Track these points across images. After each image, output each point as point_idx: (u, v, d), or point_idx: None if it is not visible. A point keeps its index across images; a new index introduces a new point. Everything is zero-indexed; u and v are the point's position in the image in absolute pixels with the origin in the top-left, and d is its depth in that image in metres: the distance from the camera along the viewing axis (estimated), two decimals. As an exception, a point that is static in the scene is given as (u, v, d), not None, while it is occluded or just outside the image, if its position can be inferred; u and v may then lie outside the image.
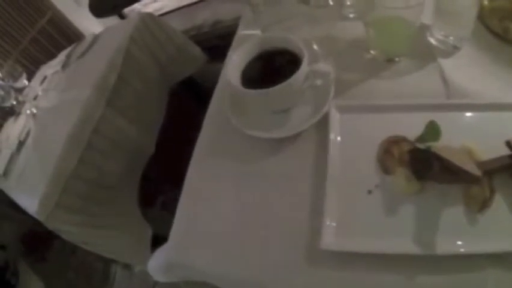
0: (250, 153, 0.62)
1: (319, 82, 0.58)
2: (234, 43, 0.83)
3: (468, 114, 0.56)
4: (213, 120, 0.70)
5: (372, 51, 0.69)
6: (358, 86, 0.65)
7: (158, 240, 1.23)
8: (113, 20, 1.79)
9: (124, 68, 1.20)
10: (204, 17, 1.70)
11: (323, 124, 0.59)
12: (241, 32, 0.85)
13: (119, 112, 1.17)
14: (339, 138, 0.58)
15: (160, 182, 1.56)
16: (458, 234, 0.46)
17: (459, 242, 0.45)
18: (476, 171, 0.47)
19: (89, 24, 1.95)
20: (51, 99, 1.27)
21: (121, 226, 1.14)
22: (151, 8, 1.85)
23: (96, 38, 1.40)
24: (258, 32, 0.82)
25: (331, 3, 0.80)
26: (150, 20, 1.33)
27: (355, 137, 0.57)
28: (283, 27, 0.79)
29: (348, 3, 0.77)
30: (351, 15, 0.78)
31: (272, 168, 0.60)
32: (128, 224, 1.18)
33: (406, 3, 0.58)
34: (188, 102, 1.66)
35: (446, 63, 0.64)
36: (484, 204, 0.47)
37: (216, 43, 1.55)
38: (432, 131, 0.52)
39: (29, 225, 1.50)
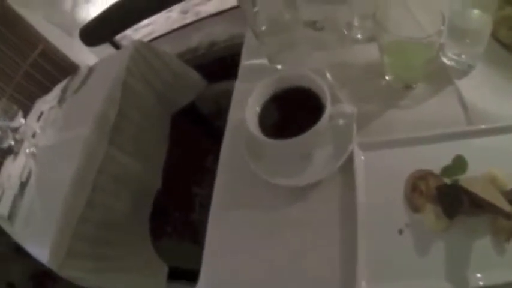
0: (272, 200, 0.59)
1: (341, 122, 0.56)
2: (240, 75, 0.80)
3: (490, 138, 0.55)
4: (228, 167, 0.67)
5: (387, 77, 0.67)
6: (377, 118, 0.63)
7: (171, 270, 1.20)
8: (105, 49, 1.76)
9: (123, 102, 1.17)
10: (198, 39, 1.68)
11: (346, 164, 0.57)
12: (246, 62, 0.82)
13: (121, 149, 1.15)
14: (364, 179, 0.55)
15: (167, 212, 1.53)
16: (488, 265, 0.45)
17: (490, 274, 0.45)
18: (506, 207, 0.45)
19: (82, 54, 1.92)
20: (50, 137, 1.24)
21: (135, 267, 1.11)
22: (142, 33, 1.83)
23: (90, 70, 1.37)
24: (264, 61, 0.79)
25: (345, 32, 0.78)
26: (144, 48, 1.30)
27: (380, 176, 0.55)
28: (291, 55, 0.76)
29: (356, 24, 0.75)
30: (359, 36, 0.76)
31: (296, 216, 0.57)
32: (142, 263, 1.14)
33: (422, 31, 0.56)
34: (188, 127, 1.63)
35: (463, 85, 0.63)
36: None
37: (213, 65, 1.53)
38: (459, 164, 0.51)
39: (37, 263, 1.47)
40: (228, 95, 0.78)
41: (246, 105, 0.56)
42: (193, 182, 1.41)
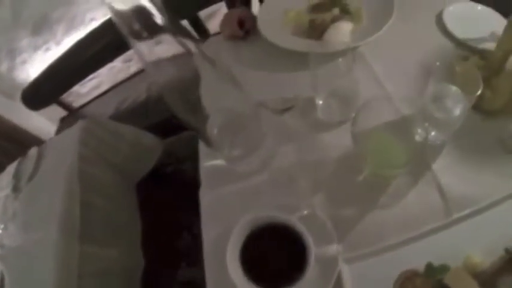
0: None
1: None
2: (203, 179, 0.75)
3: (468, 221, 0.56)
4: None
5: (363, 173, 0.64)
6: (357, 222, 0.61)
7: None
8: (52, 112, 1.65)
9: (83, 193, 1.09)
10: (145, 88, 1.58)
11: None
12: (205, 163, 0.77)
13: (94, 242, 1.07)
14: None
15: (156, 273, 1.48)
16: None
17: None
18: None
19: (28, 118, 1.78)
20: (15, 237, 1.14)
21: None
22: (88, 87, 1.71)
23: (40, 154, 1.27)
24: (222, 162, 0.73)
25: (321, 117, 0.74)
26: (93, 125, 1.21)
27: (368, 284, 0.55)
28: (253, 156, 0.70)
29: (317, 103, 0.73)
30: (323, 117, 0.74)
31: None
32: None
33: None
34: (153, 187, 1.55)
35: (439, 169, 0.63)
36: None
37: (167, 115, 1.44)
38: (440, 268, 0.52)
39: None
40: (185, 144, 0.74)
41: (227, 253, 0.52)
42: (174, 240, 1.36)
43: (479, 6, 0.86)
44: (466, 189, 0.59)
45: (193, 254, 0.68)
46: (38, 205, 1.14)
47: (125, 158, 1.27)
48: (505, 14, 0.85)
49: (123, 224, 1.23)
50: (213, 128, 0.64)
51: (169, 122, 1.34)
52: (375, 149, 0.59)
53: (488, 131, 0.65)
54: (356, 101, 0.71)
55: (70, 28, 1.54)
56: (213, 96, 0.59)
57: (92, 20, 1.52)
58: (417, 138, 0.56)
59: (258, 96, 0.79)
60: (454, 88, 0.59)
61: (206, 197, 0.72)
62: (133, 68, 1.72)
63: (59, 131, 1.68)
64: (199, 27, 1.47)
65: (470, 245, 0.53)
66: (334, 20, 0.84)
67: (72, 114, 1.73)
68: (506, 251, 0.50)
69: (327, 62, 0.68)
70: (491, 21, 0.83)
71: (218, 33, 1.03)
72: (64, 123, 1.72)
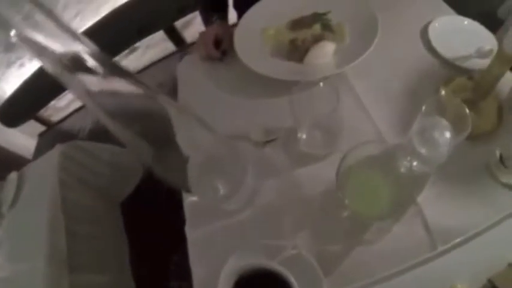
0: None
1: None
2: (188, 217, 0.71)
3: (452, 253, 0.56)
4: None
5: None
6: (343, 258, 0.60)
7: None
8: (30, 127, 1.60)
9: (67, 221, 1.06)
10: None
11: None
12: (188, 199, 0.73)
13: (83, 270, 1.05)
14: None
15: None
16: None
17: None
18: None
19: (5, 135, 1.72)
20: (4, 268, 1.12)
21: None
22: (66, 100, 1.65)
23: (20, 179, 1.23)
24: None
25: (304, 149, 0.71)
26: (71, 150, 1.18)
27: None
28: (236, 196, 0.67)
29: (300, 135, 0.69)
30: (306, 150, 0.71)
31: None
32: None
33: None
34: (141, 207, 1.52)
35: (424, 203, 0.61)
36: None
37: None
38: None
39: None
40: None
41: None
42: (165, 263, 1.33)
43: (466, 21, 0.83)
44: (450, 221, 0.58)
45: (183, 270, 0.67)
46: (23, 235, 1.13)
47: (106, 180, 1.24)
48: (491, 28, 0.83)
49: (111, 248, 1.20)
50: (192, 172, 0.60)
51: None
52: (355, 193, 0.55)
53: (474, 156, 0.63)
54: (341, 132, 0.68)
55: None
56: (188, 140, 0.54)
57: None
58: (402, 175, 0.53)
59: (238, 126, 0.76)
60: (443, 122, 0.56)
61: (192, 235, 0.69)
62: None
63: (38, 147, 1.63)
64: (176, 37, 1.42)
65: (455, 275, 0.53)
66: (316, 39, 0.80)
67: (51, 129, 1.68)
68: (489, 281, 0.51)
69: (310, 88, 0.64)
70: (478, 37, 0.80)
71: (194, 43, 0.98)
72: (43, 139, 1.67)
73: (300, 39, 0.80)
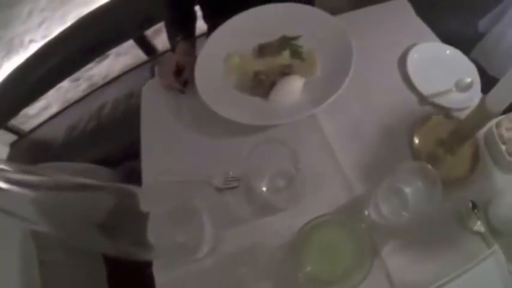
0: None
1: None
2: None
3: None
4: None
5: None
6: None
7: None
8: (1, 136, 1.53)
9: (39, 251, 1.01)
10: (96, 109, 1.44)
11: None
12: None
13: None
14: None
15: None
16: None
17: None
18: None
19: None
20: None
21: None
22: (36, 108, 1.57)
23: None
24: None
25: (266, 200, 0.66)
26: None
27: None
28: (198, 248, 0.61)
29: (261, 185, 0.63)
30: (267, 200, 0.65)
31: None
32: None
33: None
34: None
35: (388, 255, 0.59)
36: None
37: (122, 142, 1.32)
38: None
39: None
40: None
41: None
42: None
43: (448, 50, 0.76)
44: (414, 274, 0.56)
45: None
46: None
47: (79, 204, 1.17)
48: (471, 41, 0.77)
49: (87, 274, 1.15)
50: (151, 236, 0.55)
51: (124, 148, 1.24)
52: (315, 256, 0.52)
53: (444, 203, 0.56)
54: (304, 183, 0.63)
55: (9, 51, 1.38)
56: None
57: (31, 41, 1.37)
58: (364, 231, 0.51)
59: (199, 166, 0.72)
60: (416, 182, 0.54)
61: (160, 278, 0.66)
62: (83, 86, 1.57)
63: (9, 156, 1.56)
64: (146, 45, 1.33)
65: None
66: (283, 72, 0.73)
67: (22, 139, 1.60)
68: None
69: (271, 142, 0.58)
70: (459, 66, 0.76)
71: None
72: (15, 149, 1.59)
73: (263, 72, 0.73)
